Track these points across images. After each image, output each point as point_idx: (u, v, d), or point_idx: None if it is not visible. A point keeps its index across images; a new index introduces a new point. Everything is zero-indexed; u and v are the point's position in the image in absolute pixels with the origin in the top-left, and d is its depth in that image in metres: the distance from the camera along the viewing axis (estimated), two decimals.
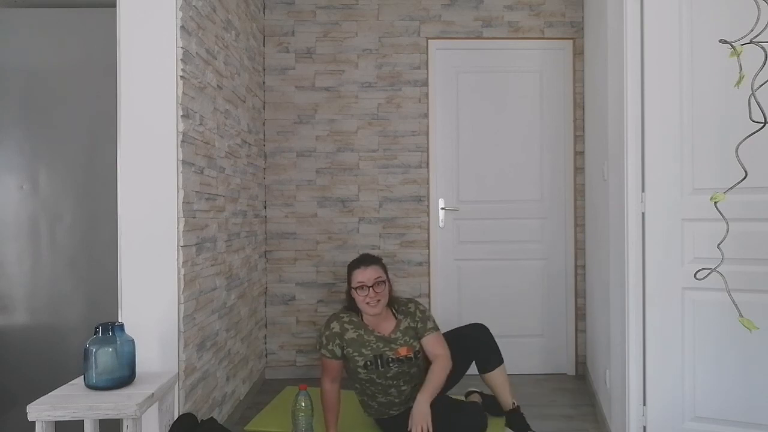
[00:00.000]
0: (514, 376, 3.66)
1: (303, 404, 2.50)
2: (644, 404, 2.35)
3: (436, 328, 2.61)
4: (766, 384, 2.16)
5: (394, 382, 2.56)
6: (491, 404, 2.88)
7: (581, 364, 3.72)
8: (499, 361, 2.75)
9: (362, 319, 2.57)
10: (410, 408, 2.47)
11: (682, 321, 2.29)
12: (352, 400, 2.92)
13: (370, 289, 2.48)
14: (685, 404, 2.29)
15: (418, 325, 2.59)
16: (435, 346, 2.57)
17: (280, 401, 3.19)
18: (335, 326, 2.54)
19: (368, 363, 2.52)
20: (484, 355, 2.74)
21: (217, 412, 2.69)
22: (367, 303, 2.49)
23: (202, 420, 2.33)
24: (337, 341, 2.52)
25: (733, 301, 1.53)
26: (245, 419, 3.02)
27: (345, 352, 2.54)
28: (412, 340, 2.57)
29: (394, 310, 2.61)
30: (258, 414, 3.02)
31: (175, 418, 2.18)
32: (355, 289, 2.51)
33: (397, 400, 2.59)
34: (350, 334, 2.54)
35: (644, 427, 2.35)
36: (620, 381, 2.48)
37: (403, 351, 2.54)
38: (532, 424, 2.77)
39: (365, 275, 2.51)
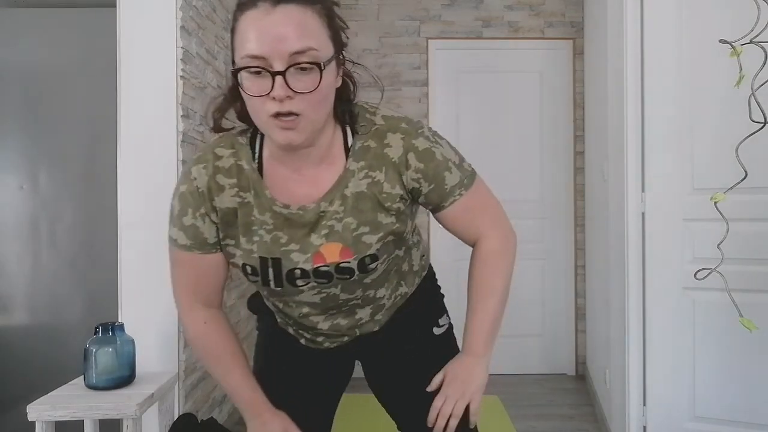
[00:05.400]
0: (515, 376, 3.67)
1: None
2: (644, 404, 2.35)
3: (468, 184, 1.13)
4: (766, 384, 2.16)
5: (316, 313, 1.17)
6: None
7: (581, 364, 3.72)
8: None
9: (261, 159, 1.09)
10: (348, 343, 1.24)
11: (682, 321, 2.29)
12: (359, 405, 2.89)
13: (279, 77, 0.89)
14: (685, 404, 2.29)
15: (424, 190, 1.08)
16: (464, 223, 1.18)
17: None
18: (197, 173, 1.08)
19: (251, 269, 1.08)
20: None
21: (217, 412, 2.69)
22: (274, 119, 0.93)
23: (202, 420, 2.32)
24: (202, 209, 1.06)
25: (733, 301, 1.52)
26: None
27: (217, 233, 1.08)
28: (361, 227, 1.05)
29: (347, 141, 1.11)
30: None
31: (175, 418, 2.18)
32: (240, 71, 0.93)
33: (323, 334, 1.23)
34: (225, 198, 1.06)
35: (644, 427, 2.35)
36: (620, 381, 2.48)
37: (329, 251, 1.05)
38: (532, 423, 2.77)
39: (266, 32, 0.89)
